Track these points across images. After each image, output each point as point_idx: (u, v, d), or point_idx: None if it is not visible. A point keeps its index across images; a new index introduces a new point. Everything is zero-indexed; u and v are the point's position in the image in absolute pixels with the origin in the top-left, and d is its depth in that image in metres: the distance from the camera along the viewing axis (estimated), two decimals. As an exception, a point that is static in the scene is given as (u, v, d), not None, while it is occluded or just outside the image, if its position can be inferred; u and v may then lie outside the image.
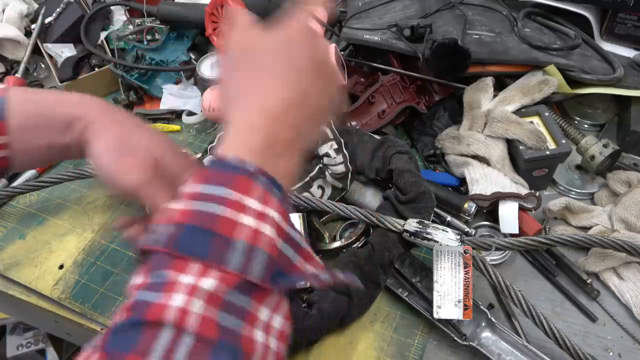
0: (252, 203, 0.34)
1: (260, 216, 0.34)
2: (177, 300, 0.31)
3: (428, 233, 0.62)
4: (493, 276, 0.61)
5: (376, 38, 0.86)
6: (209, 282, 0.31)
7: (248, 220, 0.34)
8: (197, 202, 0.34)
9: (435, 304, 0.61)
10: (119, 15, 1.09)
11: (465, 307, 0.60)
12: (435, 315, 0.61)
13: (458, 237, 0.62)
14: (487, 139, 0.78)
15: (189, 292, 0.31)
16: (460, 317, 0.60)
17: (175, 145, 0.56)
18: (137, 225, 0.53)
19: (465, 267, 0.61)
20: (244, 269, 0.32)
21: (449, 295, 0.61)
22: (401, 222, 0.64)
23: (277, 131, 0.38)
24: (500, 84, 0.86)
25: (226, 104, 0.42)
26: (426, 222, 0.63)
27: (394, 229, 0.64)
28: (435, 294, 0.61)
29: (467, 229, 0.72)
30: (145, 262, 0.34)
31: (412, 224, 0.63)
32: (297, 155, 0.40)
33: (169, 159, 0.53)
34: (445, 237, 0.62)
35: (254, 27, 0.44)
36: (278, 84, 0.41)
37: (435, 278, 0.62)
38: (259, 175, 0.35)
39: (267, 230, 0.34)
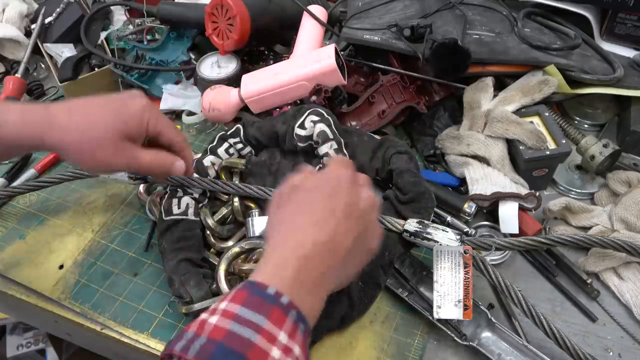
0: (282, 336, 0.37)
1: (286, 350, 0.37)
2: None
3: (428, 233, 0.62)
4: (493, 276, 0.61)
5: (376, 38, 0.86)
6: None
7: (276, 353, 0.36)
8: (233, 323, 0.37)
9: (435, 304, 0.61)
10: (119, 15, 1.09)
11: (465, 307, 0.60)
12: (436, 315, 0.61)
13: (458, 237, 0.62)
14: (487, 139, 0.78)
15: None
16: (460, 317, 0.60)
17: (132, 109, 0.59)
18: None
19: (465, 267, 0.61)
20: None
21: (449, 295, 0.61)
22: (401, 222, 0.64)
23: (308, 270, 0.43)
24: (500, 84, 0.86)
25: (269, 230, 0.49)
26: (426, 222, 0.63)
27: (394, 229, 0.64)
28: (435, 294, 0.61)
29: (467, 229, 0.72)
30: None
31: (412, 224, 0.63)
32: (325, 293, 0.45)
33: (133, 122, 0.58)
34: (445, 237, 0.62)
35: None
36: (311, 224, 0.45)
37: (435, 278, 0.62)
38: (291, 309, 0.39)
39: None
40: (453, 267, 0.61)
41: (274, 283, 0.40)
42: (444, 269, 0.61)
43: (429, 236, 0.62)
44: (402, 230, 0.64)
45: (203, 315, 0.39)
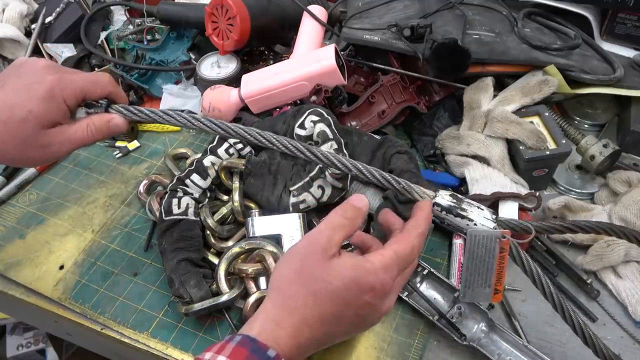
0: None
1: None
2: None
3: (463, 209, 0.53)
4: (526, 263, 0.55)
5: (376, 38, 0.86)
6: None
7: None
8: None
9: (462, 286, 0.56)
10: (119, 15, 1.09)
11: (496, 292, 0.55)
12: (462, 299, 0.57)
13: (494, 216, 0.54)
14: (487, 139, 0.78)
15: None
16: (489, 301, 0.56)
17: None
18: None
19: (501, 252, 0.53)
20: None
21: (478, 279, 0.55)
22: (431, 193, 0.55)
23: (299, 354, 0.47)
24: (500, 84, 0.86)
25: (275, 288, 0.49)
26: (459, 195, 0.55)
27: (421, 199, 0.56)
28: (463, 277, 0.55)
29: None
30: None
31: (444, 197, 0.54)
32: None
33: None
34: (480, 215, 0.53)
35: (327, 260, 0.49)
36: (317, 320, 0.47)
37: (465, 262, 0.55)
38: None
39: None
40: (487, 252, 0.53)
41: (274, 345, 0.45)
42: (476, 255, 0.54)
43: (463, 213, 0.53)
44: (433, 203, 0.55)
45: None
